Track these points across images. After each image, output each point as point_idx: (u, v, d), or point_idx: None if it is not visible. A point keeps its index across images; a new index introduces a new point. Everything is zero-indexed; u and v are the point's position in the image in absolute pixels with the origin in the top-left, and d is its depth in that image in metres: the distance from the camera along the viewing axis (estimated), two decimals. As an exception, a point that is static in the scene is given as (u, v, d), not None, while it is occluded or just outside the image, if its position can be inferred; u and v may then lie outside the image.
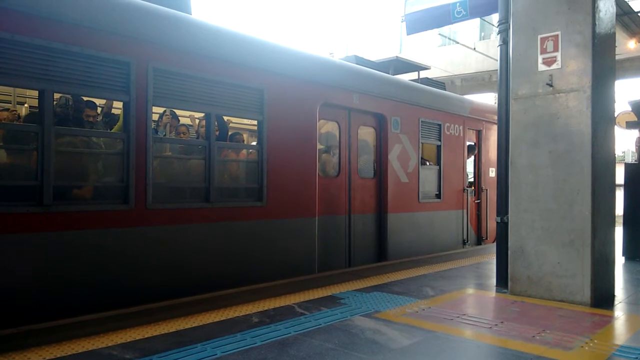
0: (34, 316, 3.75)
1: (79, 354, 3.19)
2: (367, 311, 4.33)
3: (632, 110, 10.86)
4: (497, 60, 5.64)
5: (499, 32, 5.57)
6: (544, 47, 4.89)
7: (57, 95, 4.73)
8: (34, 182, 3.92)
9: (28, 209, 3.87)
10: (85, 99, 4.82)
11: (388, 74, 8.16)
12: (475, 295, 5.09)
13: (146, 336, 3.58)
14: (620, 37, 15.97)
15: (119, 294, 4.34)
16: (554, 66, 4.84)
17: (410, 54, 22.00)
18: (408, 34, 9.26)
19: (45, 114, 3.95)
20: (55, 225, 3.99)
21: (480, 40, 21.87)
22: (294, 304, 4.58)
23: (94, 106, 4.94)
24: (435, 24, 8.94)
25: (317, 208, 6.20)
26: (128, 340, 3.47)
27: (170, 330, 3.72)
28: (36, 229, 3.89)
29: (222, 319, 4.06)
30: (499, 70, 5.54)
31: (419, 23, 8.81)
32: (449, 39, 19.05)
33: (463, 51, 20.92)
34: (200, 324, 3.91)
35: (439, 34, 18.86)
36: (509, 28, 5.29)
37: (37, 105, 4.27)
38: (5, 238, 3.75)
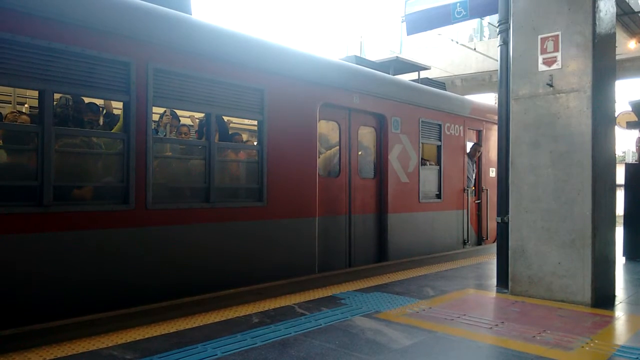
0: (33, 316, 3.74)
1: (80, 354, 3.19)
2: (368, 311, 4.33)
3: (632, 111, 10.87)
4: (497, 61, 5.64)
5: (499, 33, 5.57)
6: (544, 47, 4.89)
7: (57, 96, 4.72)
8: (34, 183, 3.92)
9: (28, 209, 3.86)
10: (87, 101, 4.82)
11: (388, 74, 8.16)
12: (476, 296, 5.09)
13: (146, 336, 3.58)
14: (621, 37, 15.97)
15: (119, 294, 4.34)
16: (555, 66, 4.84)
17: (410, 54, 21.99)
18: (408, 34, 9.25)
19: (45, 114, 3.94)
20: (55, 226, 3.98)
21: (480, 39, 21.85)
22: (294, 304, 4.58)
23: (97, 110, 4.93)
24: (436, 25, 8.92)
25: (318, 208, 6.20)
26: (128, 341, 3.47)
27: (171, 331, 3.72)
28: (36, 230, 3.89)
29: (222, 319, 4.06)
30: (499, 71, 5.54)
31: (419, 23, 8.80)
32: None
33: (463, 51, 20.90)
34: (201, 324, 3.92)
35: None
36: (509, 28, 5.29)
37: (36, 106, 4.26)
38: (5, 238, 3.75)
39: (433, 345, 3.48)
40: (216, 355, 3.20)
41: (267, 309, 4.41)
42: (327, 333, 3.70)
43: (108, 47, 4.29)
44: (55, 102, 4.40)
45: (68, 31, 4.06)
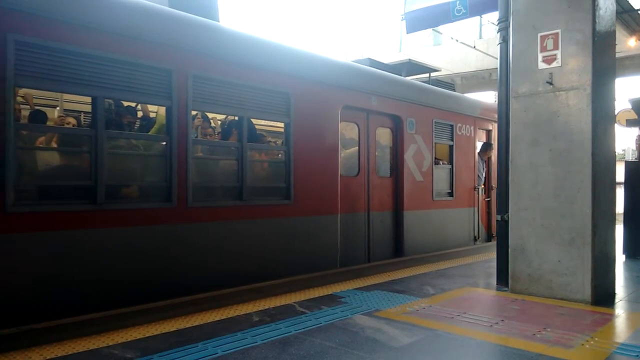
0: (88, 308, 4.01)
1: (80, 353, 3.20)
2: (368, 310, 4.34)
3: (632, 108, 10.86)
4: (497, 59, 5.63)
5: (499, 31, 5.56)
6: (544, 45, 4.88)
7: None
8: (89, 182, 4.18)
9: (84, 207, 4.16)
10: (125, 104, 5.09)
11: (400, 76, 8.32)
12: (476, 294, 5.09)
13: (147, 335, 3.58)
14: (621, 34, 15.96)
15: (163, 287, 4.59)
16: (554, 64, 4.83)
17: (409, 54, 21.95)
18: (408, 33, 9.26)
19: (98, 119, 4.20)
20: (107, 222, 4.27)
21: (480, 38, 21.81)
22: (294, 302, 4.59)
23: (135, 113, 5.25)
24: (435, 23, 8.94)
25: (339, 206, 6.45)
26: (129, 340, 3.48)
27: (171, 329, 3.73)
28: (91, 226, 4.19)
29: (222, 318, 4.07)
30: (499, 69, 5.53)
31: (419, 21, 8.81)
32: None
33: (463, 49, 20.87)
34: (201, 323, 3.92)
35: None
36: (509, 26, 5.28)
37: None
38: (64, 234, 4.02)
39: (433, 344, 3.48)
40: (216, 354, 3.21)
41: (267, 307, 4.41)
42: (327, 331, 3.70)
43: (153, 56, 4.56)
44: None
45: (117, 42, 4.32)
